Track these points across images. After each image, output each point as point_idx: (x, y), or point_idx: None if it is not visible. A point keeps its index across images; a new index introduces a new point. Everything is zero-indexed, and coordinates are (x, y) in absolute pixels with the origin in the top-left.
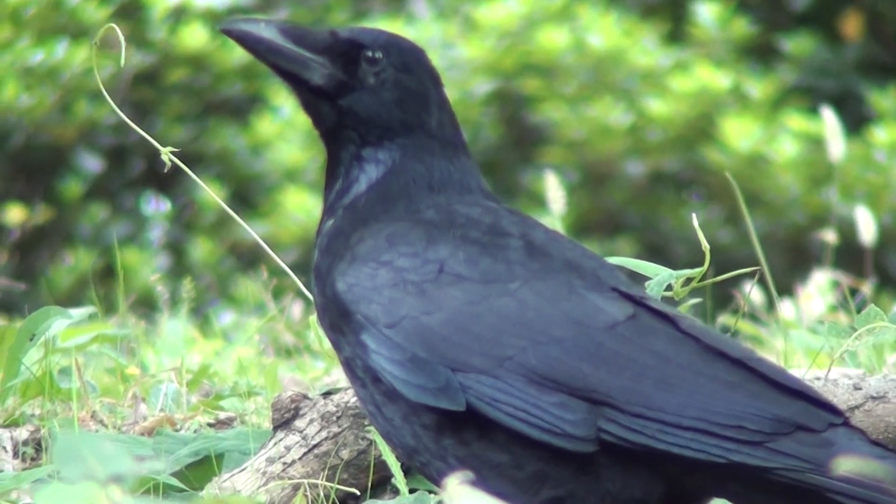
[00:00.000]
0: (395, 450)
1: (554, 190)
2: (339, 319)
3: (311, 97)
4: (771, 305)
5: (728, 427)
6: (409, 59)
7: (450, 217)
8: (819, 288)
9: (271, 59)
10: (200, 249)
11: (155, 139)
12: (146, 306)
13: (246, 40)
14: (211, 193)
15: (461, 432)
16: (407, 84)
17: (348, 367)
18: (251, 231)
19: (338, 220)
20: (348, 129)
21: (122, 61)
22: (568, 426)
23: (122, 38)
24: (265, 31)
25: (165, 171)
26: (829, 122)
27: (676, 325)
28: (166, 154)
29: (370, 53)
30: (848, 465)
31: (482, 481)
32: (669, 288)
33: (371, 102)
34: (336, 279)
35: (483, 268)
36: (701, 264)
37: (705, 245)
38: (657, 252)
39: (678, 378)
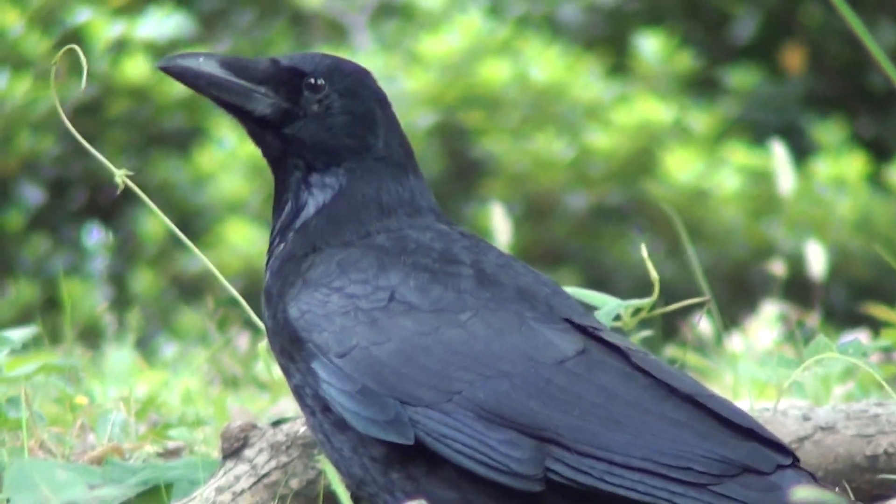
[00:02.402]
0: (344, 479)
1: (500, 221)
2: (290, 346)
3: (255, 127)
4: (719, 337)
5: (675, 468)
6: (352, 83)
7: (401, 243)
8: (767, 320)
9: (213, 92)
10: (142, 281)
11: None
12: (90, 337)
13: (185, 76)
14: (163, 217)
15: (409, 467)
16: (351, 108)
17: (298, 394)
18: (203, 258)
19: (288, 243)
20: (294, 157)
21: (84, 84)
22: (515, 464)
23: (83, 60)
24: (205, 65)
25: (119, 193)
26: (779, 155)
27: (628, 359)
28: (120, 177)
29: (313, 80)
30: (803, 494)
31: None
32: (618, 318)
33: (316, 129)
34: (288, 305)
35: (433, 296)
36: (644, 297)
37: (654, 275)
38: (599, 285)
39: (626, 416)
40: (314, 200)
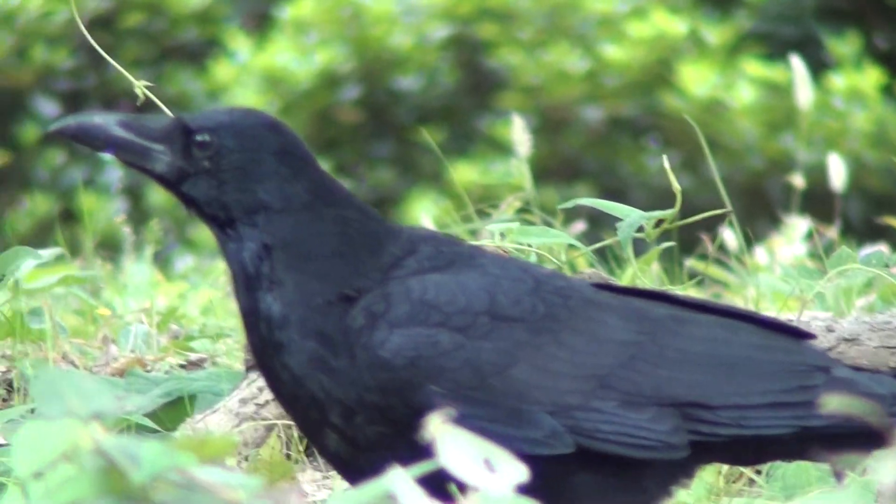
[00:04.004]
0: None
1: (520, 133)
2: (388, 394)
3: (160, 184)
4: (742, 250)
5: (791, 391)
6: (242, 138)
7: (438, 259)
8: (790, 234)
9: (111, 152)
10: (158, 194)
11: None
12: (107, 249)
13: (81, 138)
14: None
15: (563, 468)
16: (241, 164)
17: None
18: None
19: (285, 288)
20: (201, 213)
21: None
22: (665, 437)
23: None
24: (101, 126)
25: (138, 104)
26: (798, 69)
27: (683, 304)
28: (140, 87)
29: (199, 137)
30: (835, 403)
31: None
32: (640, 230)
33: (207, 187)
34: (377, 349)
35: (525, 305)
36: (661, 209)
37: (676, 186)
38: (615, 198)
39: (733, 357)
40: (248, 252)
